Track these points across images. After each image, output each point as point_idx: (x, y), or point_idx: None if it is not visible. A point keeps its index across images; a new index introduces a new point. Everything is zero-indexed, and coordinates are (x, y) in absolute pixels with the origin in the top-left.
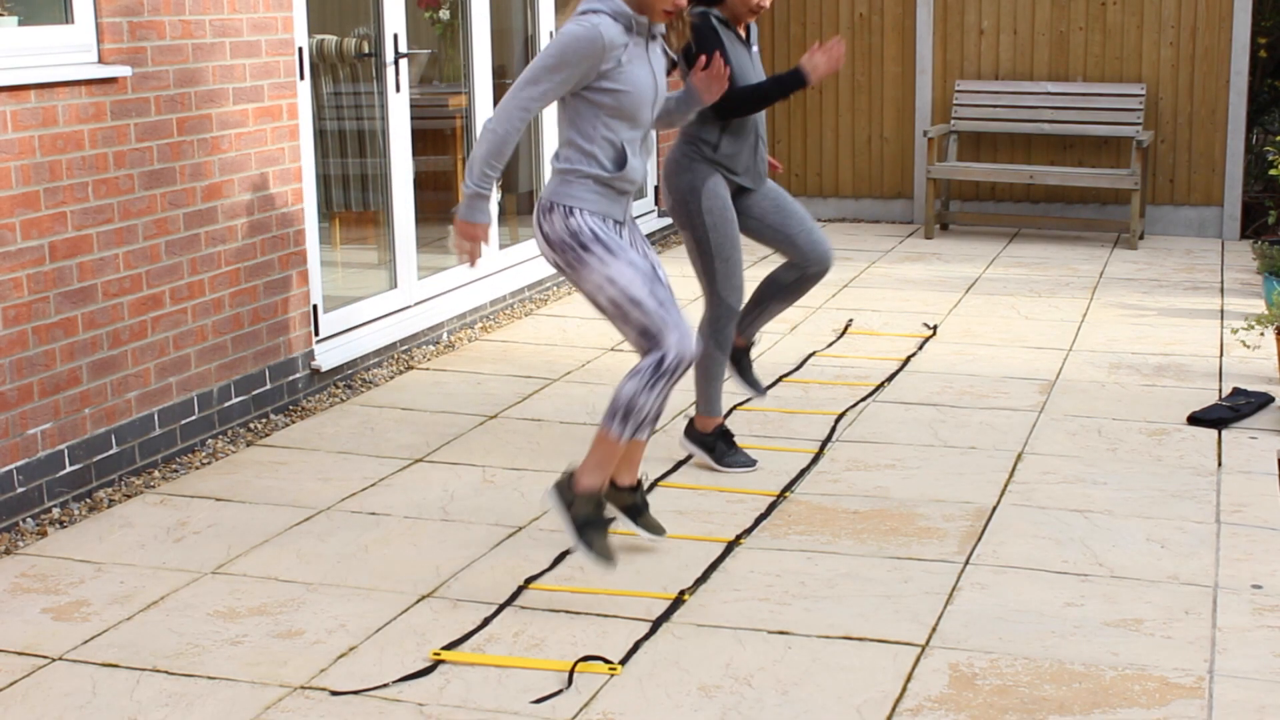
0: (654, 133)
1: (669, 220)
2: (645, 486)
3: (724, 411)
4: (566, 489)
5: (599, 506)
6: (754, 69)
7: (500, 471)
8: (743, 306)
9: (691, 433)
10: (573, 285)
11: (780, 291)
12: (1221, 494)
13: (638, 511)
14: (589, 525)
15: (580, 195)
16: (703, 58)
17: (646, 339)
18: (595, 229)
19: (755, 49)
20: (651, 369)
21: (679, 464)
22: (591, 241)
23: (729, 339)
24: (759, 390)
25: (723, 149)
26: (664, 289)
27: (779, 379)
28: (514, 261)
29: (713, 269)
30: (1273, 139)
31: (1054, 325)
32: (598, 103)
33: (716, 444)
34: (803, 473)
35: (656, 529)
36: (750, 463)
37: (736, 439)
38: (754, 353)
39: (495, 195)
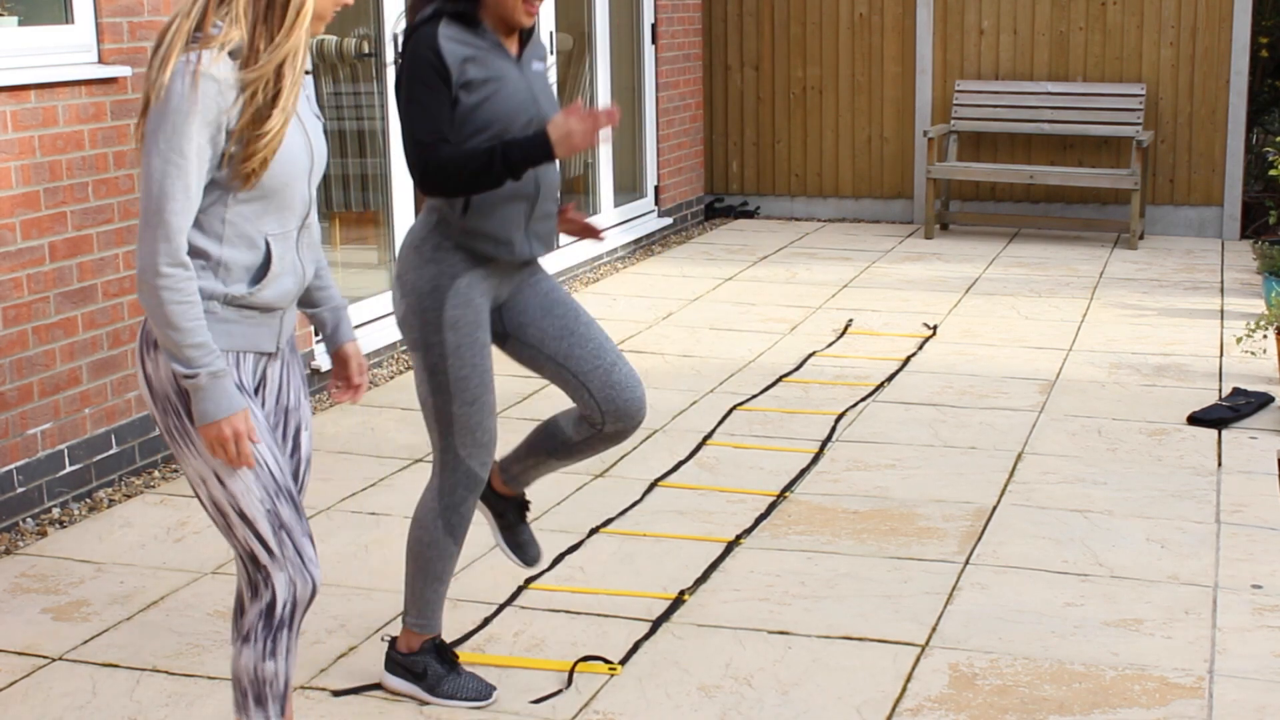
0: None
1: (668, 221)
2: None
3: (440, 628)
4: None
5: None
6: (538, 96)
7: None
8: (509, 454)
9: (392, 655)
10: (169, 447)
11: (563, 448)
12: (1221, 494)
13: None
14: None
15: (214, 328)
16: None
17: (252, 567)
18: (221, 395)
19: (540, 66)
20: (262, 627)
21: (679, 464)
22: (203, 414)
23: (465, 519)
24: (531, 559)
25: (475, 211)
26: (294, 500)
27: (779, 379)
28: None
29: (449, 415)
30: (1273, 139)
31: (1054, 325)
32: (223, 183)
33: (428, 667)
34: (803, 473)
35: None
36: (486, 694)
37: (739, 442)
38: (750, 354)
39: None
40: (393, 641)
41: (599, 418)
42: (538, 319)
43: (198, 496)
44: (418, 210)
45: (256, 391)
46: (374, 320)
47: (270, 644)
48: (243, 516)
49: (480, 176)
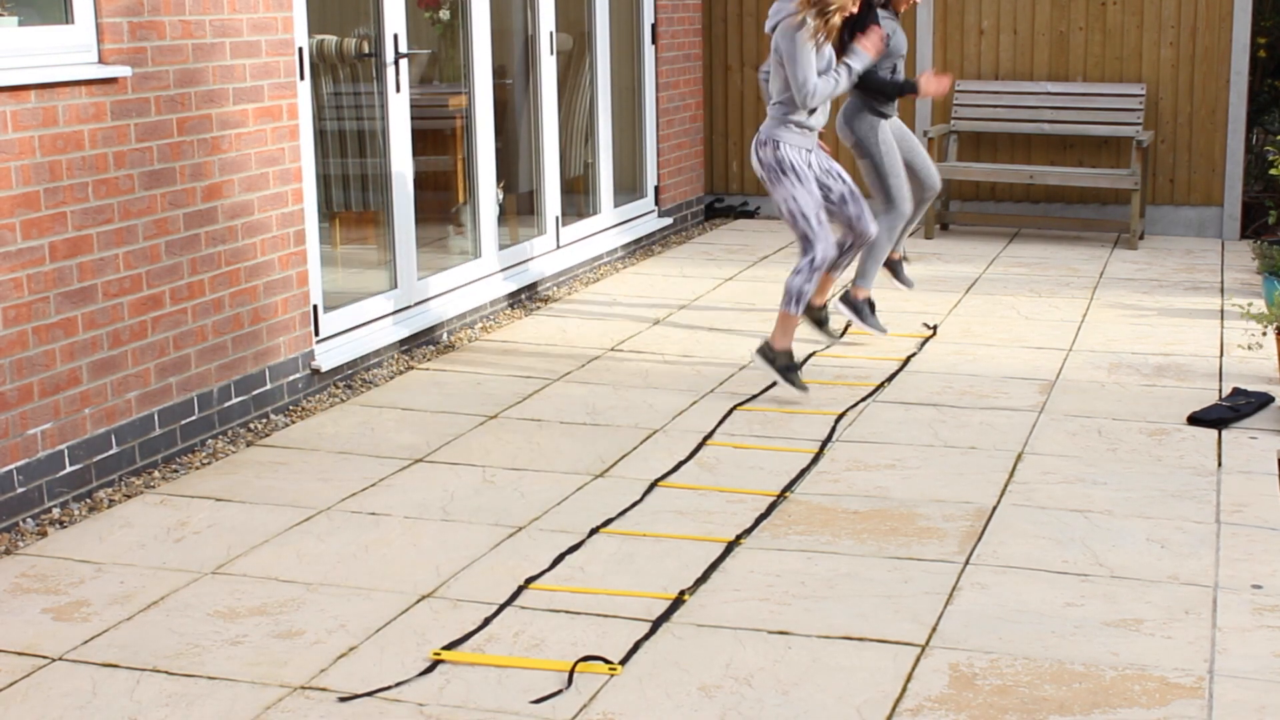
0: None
1: (668, 221)
2: (828, 309)
3: (871, 287)
4: (768, 351)
5: (790, 356)
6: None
7: (500, 471)
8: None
9: (846, 299)
10: (768, 191)
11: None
12: (1221, 494)
13: (821, 321)
14: (788, 369)
15: (786, 135)
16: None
17: (804, 243)
18: (794, 162)
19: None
20: (807, 268)
21: (680, 464)
22: (789, 169)
23: (896, 234)
24: (910, 285)
25: (885, 109)
26: (841, 201)
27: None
28: (514, 261)
29: (888, 185)
30: (1273, 139)
31: (1054, 325)
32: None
33: (863, 309)
34: (803, 473)
35: (831, 332)
36: (883, 329)
37: (739, 442)
38: (750, 354)
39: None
40: (847, 291)
41: (919, 187)
42: (900, 136)
43: (779, 210)
44: (417, 210)
45: (808, 165)
46: (376, 320)
47: (809, 275)
48: (804, 216)
49: (883, 94)
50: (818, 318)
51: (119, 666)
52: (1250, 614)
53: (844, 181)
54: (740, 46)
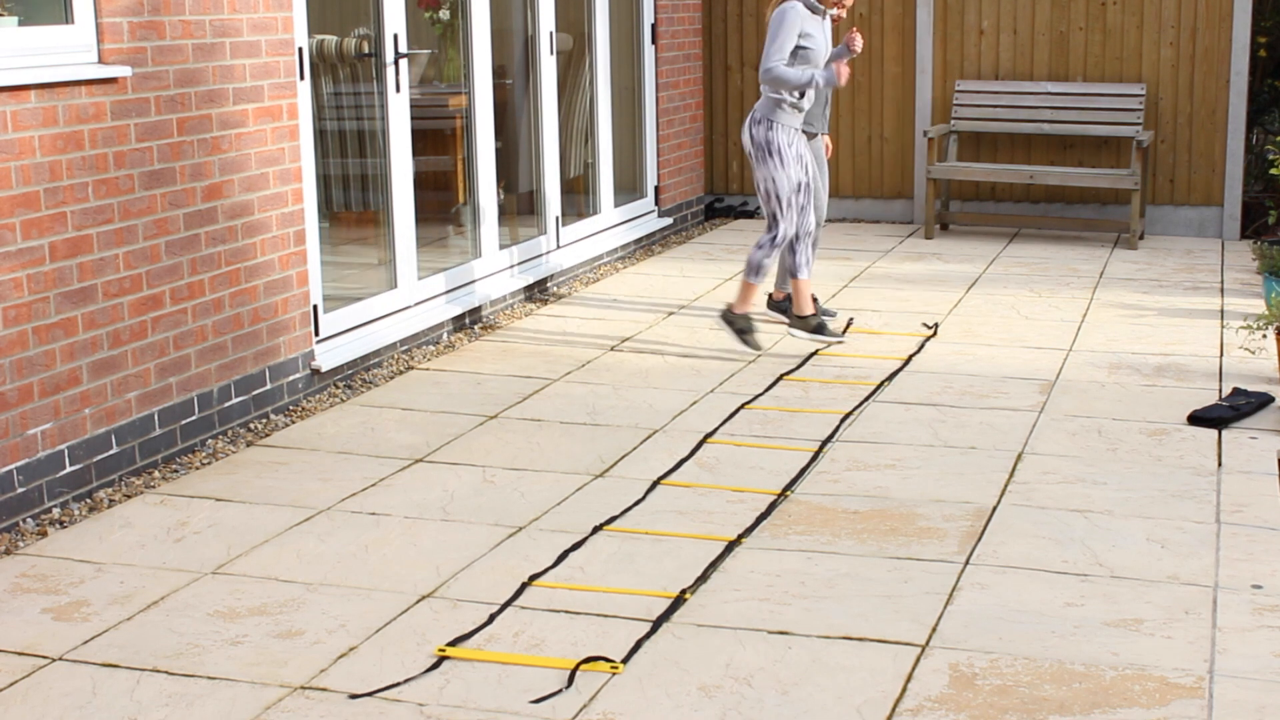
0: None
1: (668, 221)
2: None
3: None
4: (730, 314)
5: (748, 320)
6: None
7: (500, 471)
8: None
9: (771, 304)
10: (752, 166)
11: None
12: (1221, 494)
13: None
14: (744, 330)
15: (779, 115)
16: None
17: (772, 220)
18: (782, 143)
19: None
20: (769, 243)
21: (679, 463)
22: (776, 150)
23: (802, 248)
24: (830, 314)
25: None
26: (805, 193)
27: (779, 378)
28: (514, 261)
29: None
30: (1273, 139)
31: (1054, 325)
32: (798, 57)
33: (788, 309)
34: (803, 473)
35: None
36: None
37: (739, 441)
38: (750, 354)
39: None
40: (770, 295)
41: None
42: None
43: (758, 189)
44: (417, 210)
45: (791, 144)
46: (375, 320)
47: (769, 251)
48: (778, 197)
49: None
50: (781, 307)
51: (119, 666)
52: (1250, 614)
53: (807, 174)
54: (740, 46)
